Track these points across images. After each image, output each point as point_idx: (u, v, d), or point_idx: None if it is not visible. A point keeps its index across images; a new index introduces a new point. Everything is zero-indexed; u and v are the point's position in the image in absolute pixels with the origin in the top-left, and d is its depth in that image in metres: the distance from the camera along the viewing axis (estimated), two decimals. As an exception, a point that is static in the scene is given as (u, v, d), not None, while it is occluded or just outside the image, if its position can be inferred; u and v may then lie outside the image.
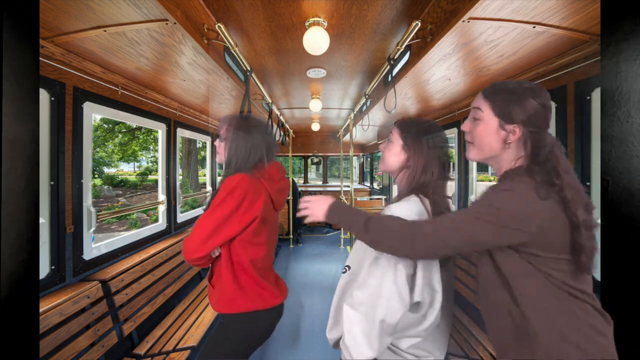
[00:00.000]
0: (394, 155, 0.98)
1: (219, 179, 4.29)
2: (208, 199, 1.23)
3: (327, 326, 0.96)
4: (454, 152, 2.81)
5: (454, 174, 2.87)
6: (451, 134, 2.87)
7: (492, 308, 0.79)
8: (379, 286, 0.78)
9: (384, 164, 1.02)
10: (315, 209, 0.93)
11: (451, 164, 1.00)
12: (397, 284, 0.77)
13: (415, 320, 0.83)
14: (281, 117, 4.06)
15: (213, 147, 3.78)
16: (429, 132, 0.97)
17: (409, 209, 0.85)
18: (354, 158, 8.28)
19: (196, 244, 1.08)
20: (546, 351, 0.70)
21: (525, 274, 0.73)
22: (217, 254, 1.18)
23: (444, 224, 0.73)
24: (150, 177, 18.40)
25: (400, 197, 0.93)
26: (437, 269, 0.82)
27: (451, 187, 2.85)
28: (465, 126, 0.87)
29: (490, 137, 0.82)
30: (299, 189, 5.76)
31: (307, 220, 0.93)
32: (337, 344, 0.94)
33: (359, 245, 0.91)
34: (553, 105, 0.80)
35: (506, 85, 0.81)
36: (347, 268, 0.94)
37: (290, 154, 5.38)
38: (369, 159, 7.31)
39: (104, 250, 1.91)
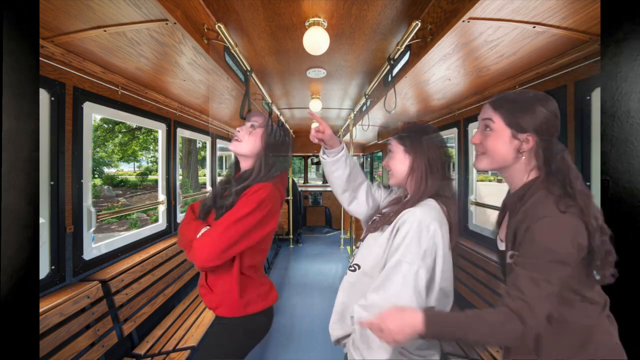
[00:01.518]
0: (399, 163, 0.98)
1: (219, 179, 4.29)
2: (229, 201, 1.14)
3: (330, 322, 0.96)
4: (454, 152, 2.81)
5: (454, 173, 2.87)
6: (451, 134, 2.87)
7: None
8: (398, 291, 0.78)
9: (393, 177, 1.01)
10: (393, 326, 0.71)
11: (452, 163, 1.00)
12: (417, 290, 0.78)
13: None
14: (281, 117, 4.06)
15: (213, 147, 3.78)
16: (425, 133, 0.98)
17: (430, 214, 0.85)
18: (354, 158, 8.28)
19: (216, 253, 1.01)
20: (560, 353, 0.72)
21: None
22: None
23: (533, 294, 0.71)
24: (150, 177, 18.38)
25: (413, 202, 0.91)
26: (452, 275, 0.84)
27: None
28: (476, 138, 0.87)
29: (503, 147, 0.82)
30: (299, 189, 5.76)
31: (384, 340, 0.72)
32: (338, 341, 0.94)
33: (373, 245, 0.90)
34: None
35: (513, 96, 0.82)
36: (356, 266, 0.93)
37: (290, 154, 5.37)
38: (369, 159, 7.31)
39: (104, 250, 1.91)
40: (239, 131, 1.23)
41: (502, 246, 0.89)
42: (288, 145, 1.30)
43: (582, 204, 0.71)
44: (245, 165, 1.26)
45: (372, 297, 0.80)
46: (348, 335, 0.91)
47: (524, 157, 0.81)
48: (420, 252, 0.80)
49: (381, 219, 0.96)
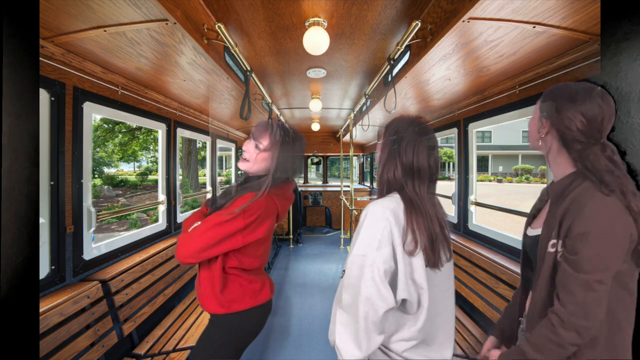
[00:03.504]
0: (380, 156, 0.96)
1: (219, 179, 4.29)
2: (221, 202, 1.17)
3: (329, 330, 0.96)
4: (453, 152, 2.81)
5: (454, 173, 2.87)
6: (451, 134, 2.87)
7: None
8: (357, 284, 0.78)
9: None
10: None
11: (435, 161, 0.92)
12: (374, 279, 0.77)
13: (408, 320, 0.82)
14: (281, 117, 4.06)
15: (213, 147, 3.78)
16: (395, 130, 0.93)
17: (385, 204, 0.83)
18: (354, 158, 8.28)
19: (193, 251, 1.06)
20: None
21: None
22: None
23: (586, 299, 0.72)
24: (150, 177, 18.38)
25: (378, 196, 0.91)
26: (421, 265, 0.80)
27: (451, 187, 2.86)
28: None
29: (533, 126, 0.90)
30: (299, 189, 5.76)
31: None
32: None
33: (351, 250, 0.91)
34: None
35: (572, 85, 0.84)
36: (343, 272, 0.93)
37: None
38: (369, 159, 7.31)
39: (104, 250, 1.91)
40: (245, 151, 1.23)
41: (531, 232, 0.90)
42: (298, 152, 1.29)
43: (622, 189, 0.72)
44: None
45: (345, 296, 0.81)
46: None
47: (541, 142, 0.86)
48: (374, 242, 0.78)
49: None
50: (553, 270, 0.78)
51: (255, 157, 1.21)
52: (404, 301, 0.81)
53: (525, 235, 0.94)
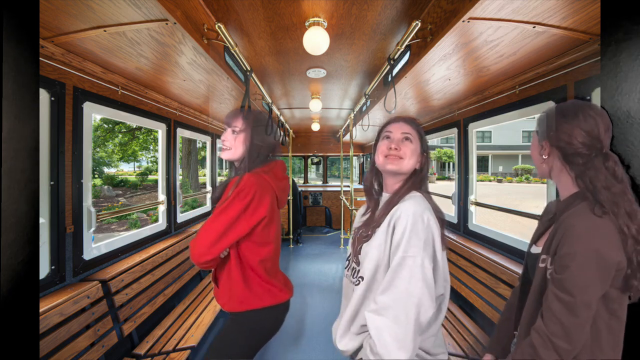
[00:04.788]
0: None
1: (219, 179, 4.29)
2: (215, 195, 1.21)
3: (337, 336, 0.92)
4: (453, 152, 2.81)
5: (454, 173, 2.87)
6: (451, 134, 2.87)
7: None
8: (408, 286, 0.77)
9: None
10: None
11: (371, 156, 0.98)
12: (426, 281, 0.78)
13: (434, 315, 0.84)
14: (281, 117, 4.06)
15: (213, 147, 3.78)
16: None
17: (421, 205, 0.87)
18: (354, 158, 8.28)
19: (205, 247, 1.06)
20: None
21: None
22: (225, 254, 1.18)
23: (557, 325, 0.71)
24: (150, 177, 18.38)
25: (400, 197, 0.93)
26: (446, 260, 0.86)
27: (451, 187, 2.86)
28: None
29: (533, 151, 0.91)
30: (299, 189, 5.76)
31: None
32: (352, 355, 0.90)
33: (370, 252, 0.89)
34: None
35: (565, 106, 0.85)
36: (360, 279, 0.90)
37: (290, 154, 5.38)
38: (369, 159, 7.31)
39: (104, 250, 1.91)
40: (224, 140, 1.25)
41: (535, 250, 0.90)
42: (270, 129, 1.29)
43: (613, 210, 0.71)
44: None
45: (382, 299, 0.79)
46: (361, 347, 0.88)
47: (545, 165, 0.86)
48: (421, 243, 0.80)
49: (368, 226, 0.93)
50: (542, 286, 0.78)
51: (235, 141, 1.23)
52: (439, 296, 0.85)
53: (528, 253, 0.94)
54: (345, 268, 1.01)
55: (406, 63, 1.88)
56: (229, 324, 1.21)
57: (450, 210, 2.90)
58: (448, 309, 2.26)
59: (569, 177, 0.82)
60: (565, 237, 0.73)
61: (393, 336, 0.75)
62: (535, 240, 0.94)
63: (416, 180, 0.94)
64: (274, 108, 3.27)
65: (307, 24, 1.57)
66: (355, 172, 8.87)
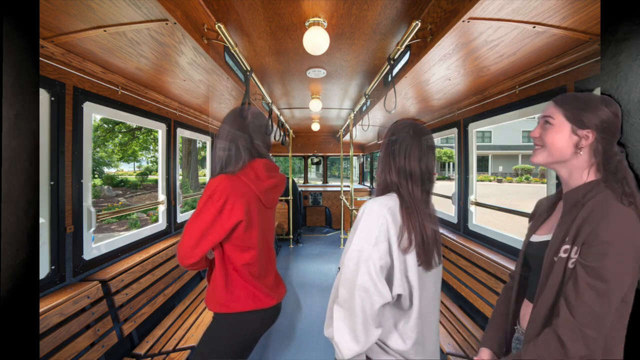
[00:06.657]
0: (380, 157, 0.99)
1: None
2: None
3: (325, 325, 0.96)
4: (453, 152, 2.81)
5: (454, 173, 2.87)
6: (451, 134, 2.87)
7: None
8: (354, 278, 0.80)
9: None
10: None
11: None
12: (370, 274, 0.79)
13: (402, 317, 0.84)
14: (281, 117, 4.06)
15: (213, 147, 3.78)
16: (392, 132, 0.96)
17: (383, 202, 0.86)
18: (354, 158, 8.28)
19: (187, 250, 1.09)
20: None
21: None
22: (213, 255, 1.18)
23: (587, 315, 0.72)
24: (150, 177, 18.38)
25: (378, 194, 0.94)
26: (414, 264, 0.83)
27: (451, 187, 2.86)
28: (535, 132, 0.88)
29: (562, 141, 0.83)
30: (299, 189, 5.76)
31: None
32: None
33: (346, 247, 0.91)
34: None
35: (578, 94, 0.83)
36: (338, 269, 0.94)
37: (290, 154, 5.38)
38: (369, 159, 7.31)
39: (104, 250, 1.91)
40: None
41: (537, 238, 0.89)
42: (253, 128, 1.23)
43: (637, 201, 0.72)
44: None
45: (342, 291, 0.82)
46: None
47: (581, 153, 0.81)
48: (371, 238, 0.81)
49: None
50: (558, 277, 0.77)
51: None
52: (399, 297, 0.83)
53: (529, 242, 0.92)
54: None
55: (406, 63, 1.89)
56: (213, 323, 1.22)
57: (450, 210, 2.90)
58: (448, 309, 2.26)
59: (586, 165, 0.81)
60: (601, 226, 0.72)
61: (348, 327, 0.80)
62: (534, 228, 0.93)
63: (378, 180, 0.96)
64: (274, 108, 3.27)
65: (307, 24, 1.58)
66: (355, 172, 8.87)
